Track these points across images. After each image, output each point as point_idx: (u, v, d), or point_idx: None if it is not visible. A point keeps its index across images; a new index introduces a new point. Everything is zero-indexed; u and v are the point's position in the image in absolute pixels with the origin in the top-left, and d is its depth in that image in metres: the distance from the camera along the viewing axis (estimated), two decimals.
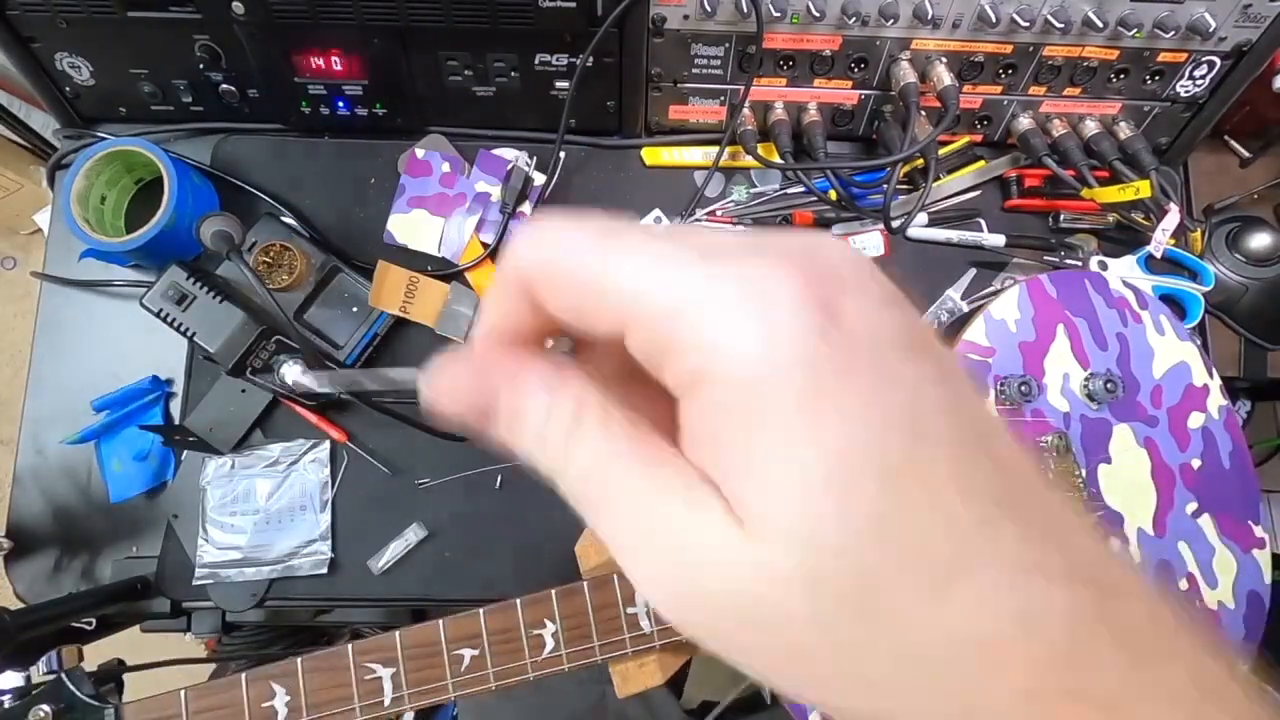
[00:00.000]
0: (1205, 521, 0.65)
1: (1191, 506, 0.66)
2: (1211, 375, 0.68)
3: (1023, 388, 0.64)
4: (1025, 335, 0.66)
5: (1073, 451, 0.64)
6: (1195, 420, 0.67)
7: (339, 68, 0.72)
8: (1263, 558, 0.66)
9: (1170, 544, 0.65)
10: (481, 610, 0.52)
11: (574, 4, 0.65)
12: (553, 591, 0.53)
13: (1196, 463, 0.66)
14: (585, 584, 0.55)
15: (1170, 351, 0.67)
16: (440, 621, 0.51)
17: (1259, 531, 0.66)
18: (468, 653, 0.51)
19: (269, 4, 0.65)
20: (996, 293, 0.73)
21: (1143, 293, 0.68)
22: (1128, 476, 0.65)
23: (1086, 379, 0.65)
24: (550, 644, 0.52)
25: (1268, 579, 0.66)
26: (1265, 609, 0.66)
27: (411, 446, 0.73)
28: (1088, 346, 0.66)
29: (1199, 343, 0.69)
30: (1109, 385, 0.64)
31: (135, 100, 0.76)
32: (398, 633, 0.50)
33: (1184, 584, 0.64)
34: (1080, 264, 0.75)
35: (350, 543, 0.72)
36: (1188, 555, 0.65)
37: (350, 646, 0.50)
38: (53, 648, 0.67)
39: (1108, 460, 0.65)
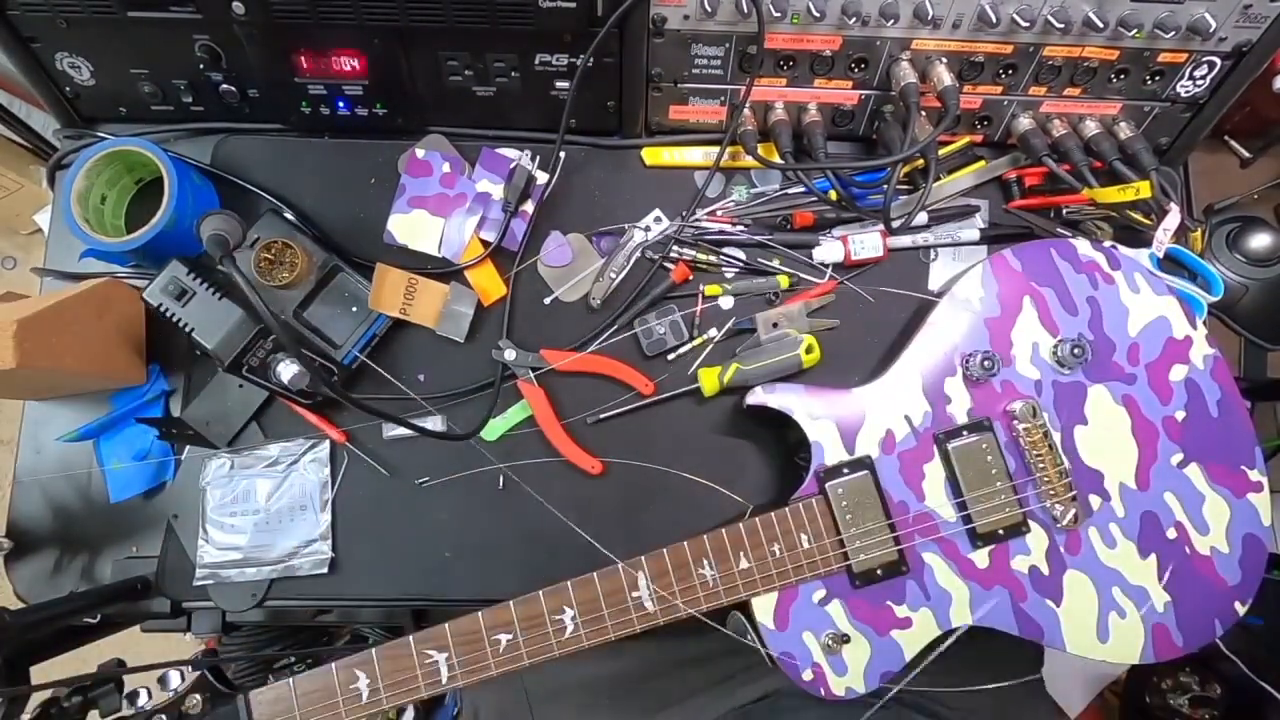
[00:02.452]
0: (1193, 471, 0.66)
1: (1177, 458, 0.66)
2: (1194, 326, 0.68)
3: (985, 363, 0.65)
4: (990, 311, 0.67)
5: (1044, 417, 0.66)
6: (1178, 373, 0.67)
7: (339, 68, 0.72)
8: (1260, 501, 0.66)
9: (1155, 496, 0.66)
10: (512, 601, 0.62)
11: (574, 4, 0.65)
12: (569, 583, 0.62)
13: (1180, 414, 0.67)
14: (595, 574, 0.63)
15: (1146, 308, 0.68)
16: (479, 613, 0.61)
17: (1254, 475, 0.67)
18: (504, 637, 0.61)
19: (269, 4, 0.65)
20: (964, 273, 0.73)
21: (1115, 253, 0.69)
22: (1106, 436, 0.66)
23: (1055, 345, 0.67)
24: (570, 626, 0.62)
25: (1267, 522, 0.66)
26: (1265, 552, 0.66)
27: (411, 446, 0.73)
28: (1056, 314, 0.67)
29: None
30: (1075, 350, 0.66)
31: (135, 100, 0.76)
32: (447, 625, 0.61)
33: (1172, 533, 0.65)
34: None
35: (350, 543, 0.72)
36: (1175, 505, 0.66)
37: (411, 638, 0.61)
38: (53, 646, 0.68)
39: (1084, 422, 0.66)
